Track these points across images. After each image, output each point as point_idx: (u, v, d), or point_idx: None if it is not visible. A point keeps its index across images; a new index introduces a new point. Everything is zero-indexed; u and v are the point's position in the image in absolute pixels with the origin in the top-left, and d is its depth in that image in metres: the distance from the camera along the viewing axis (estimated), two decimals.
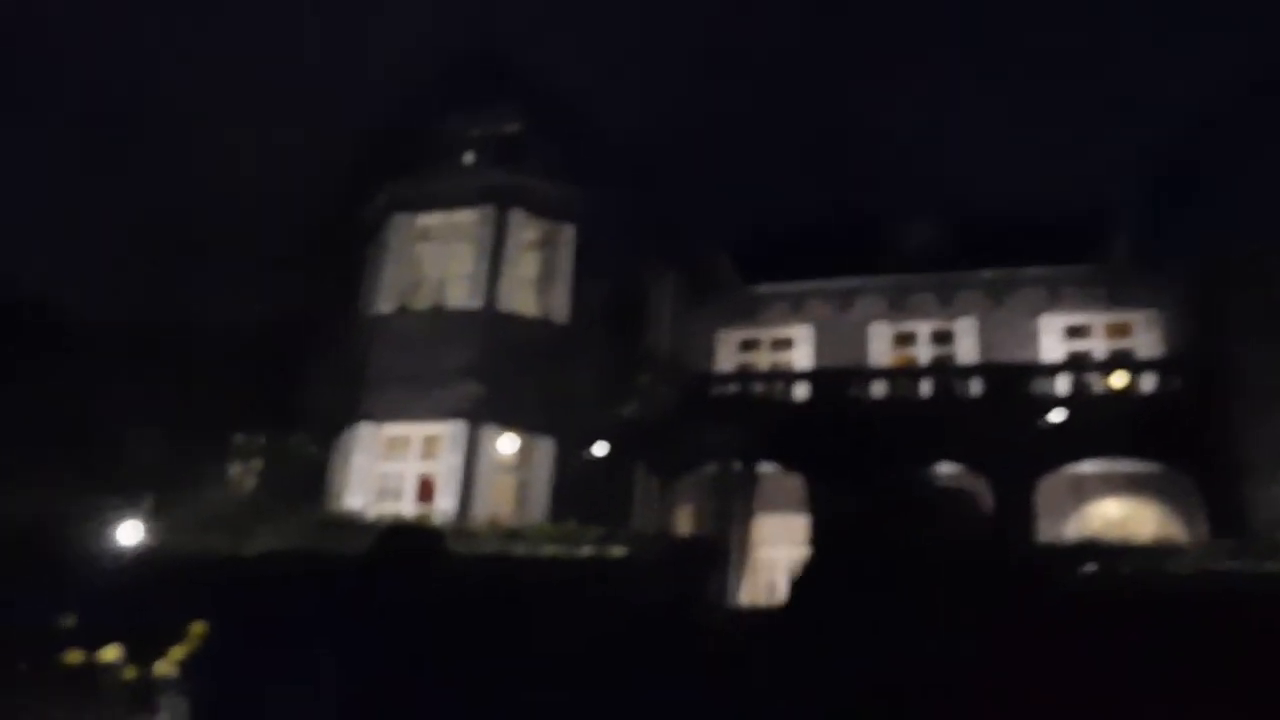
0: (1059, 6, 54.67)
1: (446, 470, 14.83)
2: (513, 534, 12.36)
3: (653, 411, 14.80)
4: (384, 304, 15.80)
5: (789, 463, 15.89)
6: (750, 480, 14.74)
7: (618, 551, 11.70)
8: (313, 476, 15.23)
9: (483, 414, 15.00)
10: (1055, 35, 53.05)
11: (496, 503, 14.98)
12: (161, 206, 18.01)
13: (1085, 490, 16.45)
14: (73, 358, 15.44)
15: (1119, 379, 15.98)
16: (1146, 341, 17.22)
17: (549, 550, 11.89)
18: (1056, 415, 14.96)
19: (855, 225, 19.88)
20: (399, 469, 15.08)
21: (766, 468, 16.02)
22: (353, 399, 15.08)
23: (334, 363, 15.54)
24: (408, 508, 14.50)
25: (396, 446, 15.16)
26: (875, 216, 19.99)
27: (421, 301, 16.13)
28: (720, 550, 12.78)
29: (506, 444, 15.35)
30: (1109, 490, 16.49)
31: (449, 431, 14.95)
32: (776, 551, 17.38)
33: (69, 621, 7.17)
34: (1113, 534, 15.66)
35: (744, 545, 15.08)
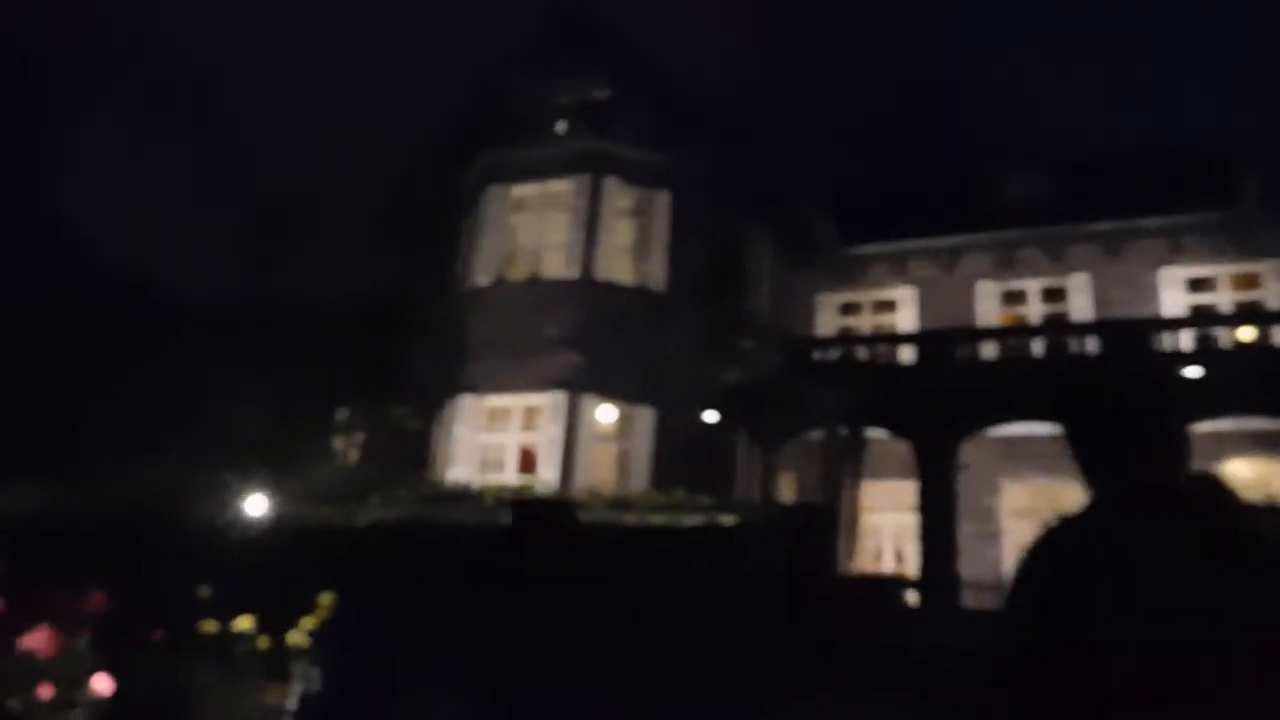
0: None
1: (547, 441, 14.79)
2: (621, 502, 12.26)
3: (755, 377, 14.51)
4: (481, 276, 15.78)
5: (896, 427, 15.46)
6: (858, 446, 14.38)
7: (727, 519, 11.51)
8: (415, 449, 15.34)
9: (582, 384, 14.90)
10: None
11: (597, 472, 14.91)
12: (254, 186, 18.18)
13: (1212, 449, 15.67)
14: (177, 341, 15.76)
15: (1244, 333, 15.16)
16: (1277, 292, 16.27)
17: (657, 519, 11.76)
18: (1192, 371, 14.21)
19: (956, 180, 19.16)
20: (500, 440, 15.10)
21: (874, 433, 15.63)
22: (453, 371, 15.11)
23: (433, 336, 15.58)
24: (510, 478, 14.54)
25: (497, 418, 15.18)
26: (977, 170, 19.23)
27: (518, 273, 16.07)
28: (830, 517, 12.48)
29: (606, 413, 15.26)
30: (1239, 449, 15.68)
31: (549, 402, 14.90)
32: (882, 518, 17.04)
33: (204, 592, 7.21)
34: (1250, 495, 14.94)
35: (852, 512, 14.75)
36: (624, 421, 15.35)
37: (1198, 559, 1.85)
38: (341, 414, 16.52)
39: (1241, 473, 15.76)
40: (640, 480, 14.78)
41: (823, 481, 13.72)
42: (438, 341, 15.41)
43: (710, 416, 14.50)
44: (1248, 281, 16.80)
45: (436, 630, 7.31)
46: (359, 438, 17.01)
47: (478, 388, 15.02)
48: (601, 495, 13.01)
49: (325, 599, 7.57)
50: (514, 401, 15.11)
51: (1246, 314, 15.81)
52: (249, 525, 10.64)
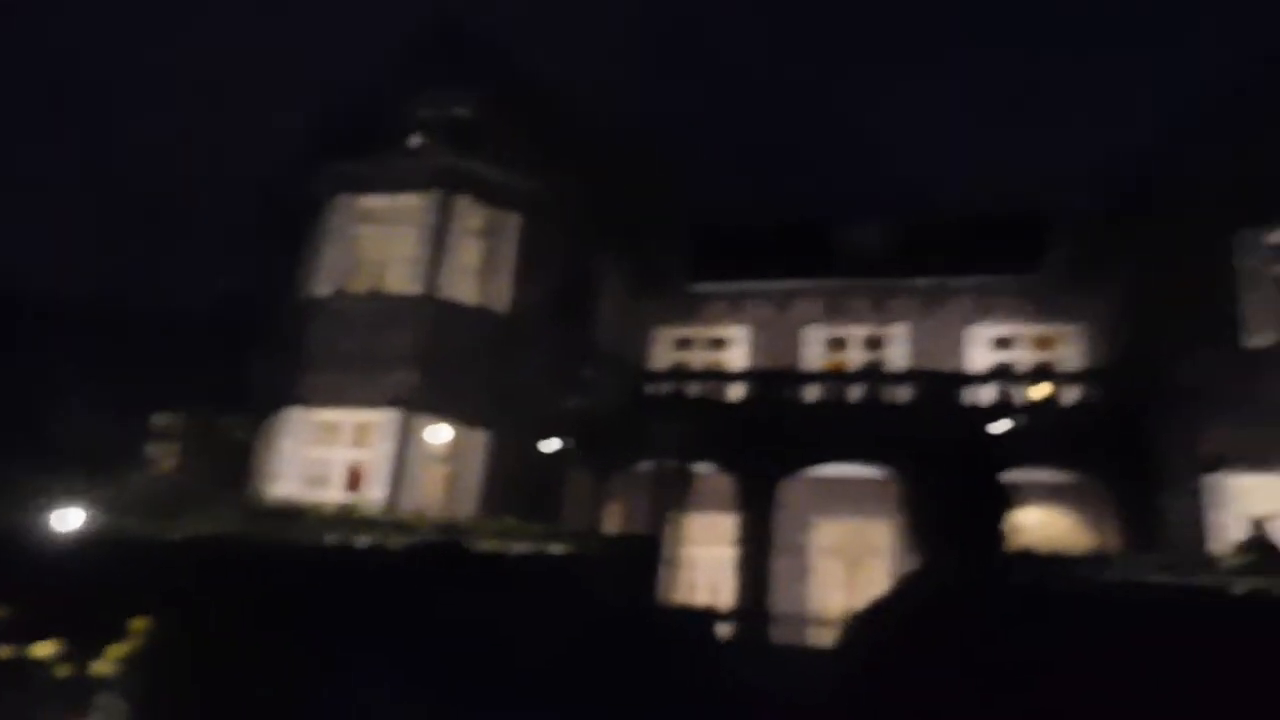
0: (1026, 20, 56.06)
1: (378, 458, 14.58)
2: (450, 527, 12.21)
3: (594, 406, 14.76)
4: (322, 286, 15.41)
5: (724, 462, 16.04)
6: (685, 479, 14.83)
7: (557, 548, 11.66)
8: (237, 460, 14.81)
9: (418, 402, 14.78)
10: (1017, 47, 54.40)
11: (426, 493, 14.81)
12: (116, 187, 17.27)
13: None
14: (24, 338, 14.74)
15: (1041, 391, 16.52)
16: (1071, 354, 17.85)
17: (488, 545, 11.79)
18: (1000, 425, 15.39)
19: (795, 227, 20.11)
20: (328, 455, 14.76)
21: (699, 466, 16.15)
22: (285, 382, 14.69)
23: (269, 345, 15.11)
24: (335, 496, 14.24)
25: (327, 432, 14.84)
26: (819, 219, 20.26)
27: (361, 285, 15.78)
28: (657, 549, 12.81)
29: (439, 434, 15.17)
30: (1022, 499, 17.04)
31: (382, 419, 14.69)
32: (700, 550, 17.57)
33: (1, 613, 6.81)
34: (1032, 541, 16.28)
35: (675, 544, 15.17)
36: (457, 443, 15.29)
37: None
38: (161, 419, 15.77)
39: (1025, 521, 17.18)
40: (469, 504, 14.77)
41: (651, 513, 14.08)
42: (272, 351, 14.96)
43: (551, 445, 14.64)
44: (1045, 343, 18.37)
45: (265, 657, 7.16)
46: (177, 446, 16.29)
47: (309, 400, 14.64)
48: (429, 518, 12.92)
49: (138, 624, 7.28)
50: (346, 417, 14.81)
51: (1043, 373, 17.21)
52: (56, 538, 10.02)
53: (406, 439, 14.63)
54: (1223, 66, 16.42)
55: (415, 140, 16.21)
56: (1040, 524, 16.90)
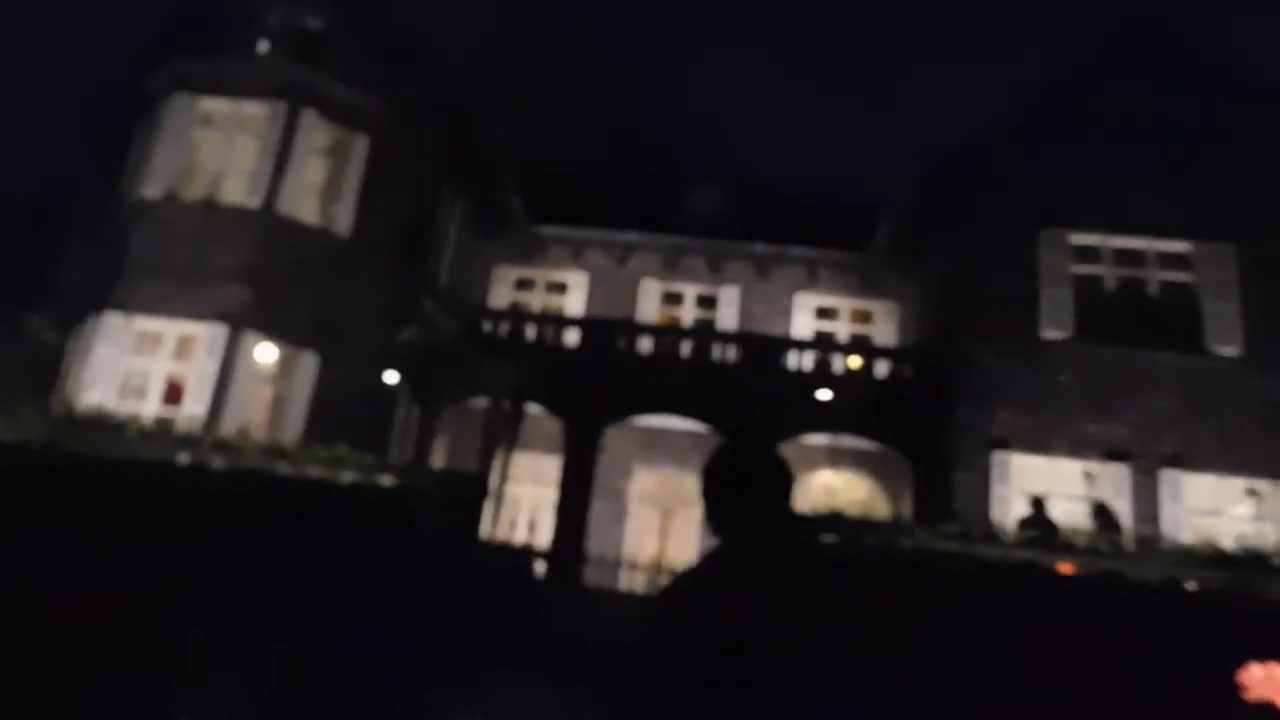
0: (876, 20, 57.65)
1: (199, 374, 14.06)
2: (278, 451, 11.99)
3: (431, 341, 14.72)
4: (151, 188, 14.54)
5: (553, 405, 16.36)
6: (516, 419, 15.07)
7: (386, 480, 11.69)
8: (45, 364, 13.95)
9: (246, 319, 14.32)
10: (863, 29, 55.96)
11: (251, 414, 14.44)
12: None
13: (810, 459, 18.15)
14: None
15: (854, 362, 17.63)
16: (885, 330, 19.12)
17: (314, 472, 11.67)
18: (824, 394, 16.32)
19: (644, 182, 20.48)
20: (146, 367, 14.10)
21: (531, 408, 16.42)
22: (104, 286, 13.88)
23: (88, 244, 14.21)
24: (152, 409, 13.68)
25: (147, 343, 14.16)
26: (665, 177, 20.68)
27: (194, 192, 14.99)
28: (485, 486, 13.02)
29: (266, 353, 14.77)
30: (830, 461, 18.29)
31: (207, 333, 14.16)
32: (522, 489, 17.94)
33: None
34: (839, 503, 17.52)
35: (501, 482, 15.44)
36: (285, 365, 14.93)
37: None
38: None
39: (831, 483, 18.46)
40: (294, 429, 14.52)
41: (481, 450, 14.27)
42: (92, 251, 14.08)
43: (391, 377, 14.52)
44: (864, 317, 19.57)
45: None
46: None
47: (129, 307, 13.92)
48: (260, 441, 12.64)
49: None
50: (168, 327, 14.16)
51: (859, 345, 18.34)
52: None
53: (232, 356, 14.16)
54: (1041, 73, 17.61)
55: (263, 46, 15.47)
56: (846, 486, 18.21)
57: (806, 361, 17.05)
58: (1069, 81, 16.96)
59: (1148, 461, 15.09)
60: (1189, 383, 15.35)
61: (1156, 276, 15.99)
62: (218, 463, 10.94)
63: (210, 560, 8.56)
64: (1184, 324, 15.74)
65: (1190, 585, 8.76)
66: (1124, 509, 14.18)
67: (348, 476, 11.71)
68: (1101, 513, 12.34)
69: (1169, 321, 15.82)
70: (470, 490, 12.11)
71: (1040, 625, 7.75)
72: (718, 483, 2.85)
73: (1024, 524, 12.01)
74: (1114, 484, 14.96)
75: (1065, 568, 9.32)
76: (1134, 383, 15.41)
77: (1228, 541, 9.92)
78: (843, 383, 16.82)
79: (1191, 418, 15.19)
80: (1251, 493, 14.86)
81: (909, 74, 52.24)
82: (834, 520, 11.59)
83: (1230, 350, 15.39)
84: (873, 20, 55.50)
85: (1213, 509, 14.91)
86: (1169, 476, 15.02)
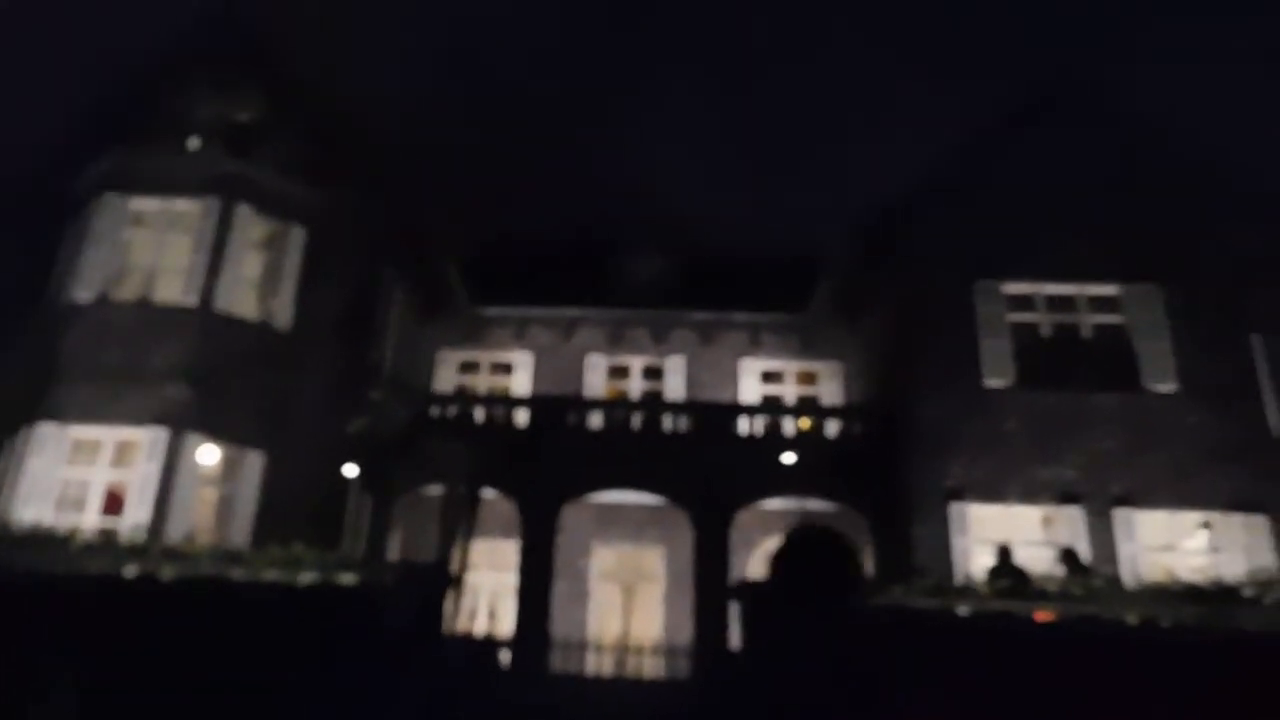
0: (801, 63, 59.24)
1: (141, 481, 13.52)
2: (230, 555, 11.50)
3: (383, 430, 14.39)
4: (82, 291, 14.09)
5: (507, 488, 16.05)
6: (474, 504, 14.70)
7: (348, 578, 11.26)
8: None
9: (187, 421, 13.86)
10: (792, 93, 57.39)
11: (196, 518, 13.88)
12: None
13: (768, 524, 18.04)
14: None
15: (804, 423, 17.65)
16: (830, 390, 19.27)
17: (270, 575, 11.20)
18: (788, 457, 16.30)
19: (581, 254, 20.52)
20: (84, 476, 13.51)
21: (485, 492, 16.08)
22: (35, 395, 13.32)
23: (16, 353, 13.64)
24: (91, 520, 13.05)
25: (84, 451, 13.59)
26: (604, 247, 20.76)
27: (127, 293, 14.58)
28: (450, 577, 12.62)
29: (210, 455, 14.26)
30: (787, 526, 18.14)
31: (147, 438, 13.66)
32: (481, 576, 17.46)
33: None
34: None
35: (461, 570, 15.00)
36: (230, 465, 14.45)
37: None
38: None
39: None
40: (243, 530, 14.00)
41: (439, 538, 13.86)
42: (21, 360, 13.51)
43: (349, 470, 14.11)
44: (809, 378, 19.73)
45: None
46: None
47: (63, 415, 13.36)
48: (205, 545, 12.12)
49: None
50: (105, 434, 13.63)
51: (807, 407, 18.41)
52: None
53: (174, 460, 13.66)
54: (967, 130, 18.18)
55: (194, 142, 15.23)
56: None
57: (758, 426, 17.03)
58: (993, 137, 17.56)
59: (1099, 502, 15.30)
60: (1130, 421, 15.68)
61: (1089, 320, 16.41)
62: (168, 572, 10.46)
63: (168, 677, 8.12)
64: (1120, 365, 16.15)
65: (1165, 622, 8.87)
66: (1082, 550, 14.31)
67: (306, 577, 11.27)
68: (1069, 557, 12.45)
69: (1105, 363, 16.22)
70: (433, 581, 11.73)
71: (1028, 673, 7.78)
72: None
73: (994, 573, 12.02)
74: (1070, 526, 15.13)
75: (1043, 615, 9.32)
76: (1078, 425, 15.69)
77: (1186, 575, 10.03)
78: (794, 445, 16.80)
79: (1137, 455, 15.48)
80: (1206, 525, 15.16)
81: (841, 134, 53.78)
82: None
83: (1166, 387, 15.78)
84: (803, 80, 57.22)
85: (1167, 544, 15.15)
86: (1122, 515, 15.24)
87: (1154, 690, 7.49)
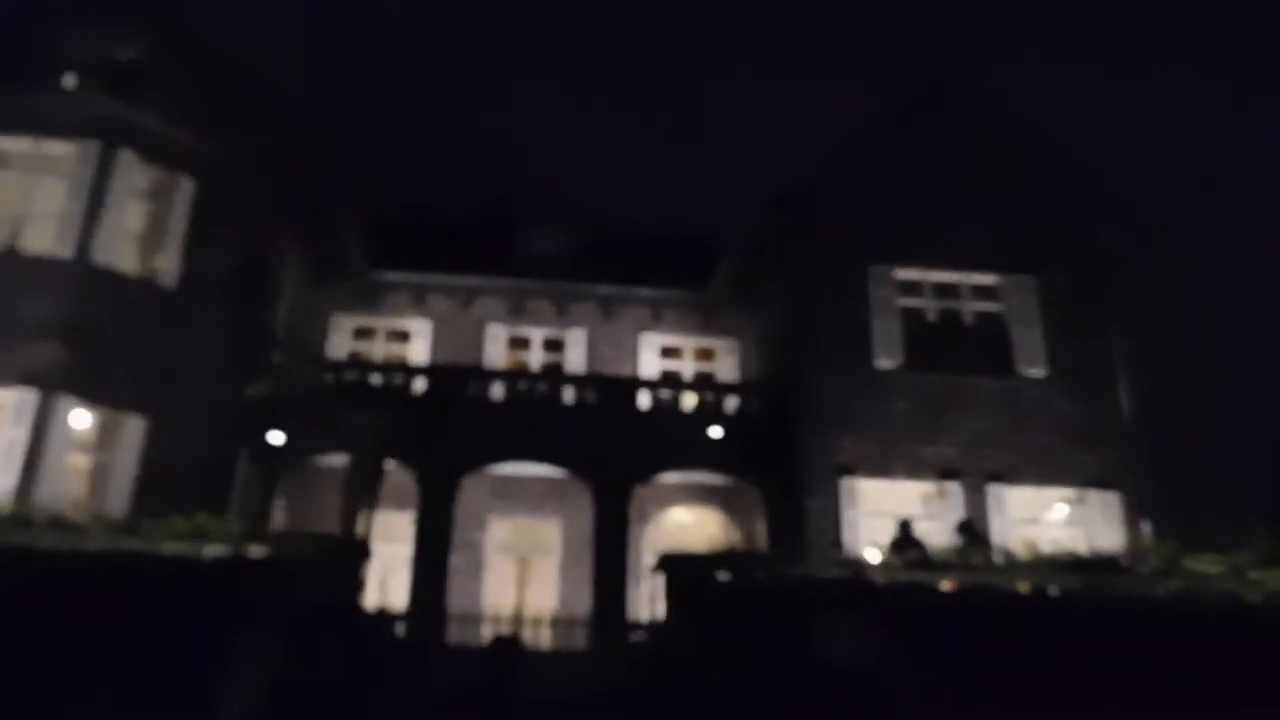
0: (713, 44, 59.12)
1: (6, 445, 12.47)
2: (128, 527, 10.74)
3: (283, 395, 13.68)
4: None
5: (405, 458, 15.60)
6: (378, 475, 14.21)
7: (258, 551, 10.71)
8: None
9: (60, 382, 12.84)
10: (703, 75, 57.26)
11: (66, 488, 12.87)
12: None
13: (665, 498, 18.20)
14: None
15: (701, 398, 17.79)
16: (727, 366, 19.53)
17: (171, 548, 10.52)
18: (715, 431, 16.45)
19: (482, 224, 20.03)
20: None
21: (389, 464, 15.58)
22: None
23: None
24: None
25: None
26: (508, 219, 20.32)
27: None
28: (363, 550, 12.16)
29: (81, 419, 13.25)
30: (683, 499, 18.41)
31: (14, 399, 12.60)
32: (376, 547, 16.90)
33: None
34: (684, 538, 17.64)
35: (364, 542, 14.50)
36: (107, 430, 13.48)
37: None
38: None
39: (683, 520, 18.57)
40: (121, 499, 13.10)
41: (344, 511, 13.34)
42: None
43: (275, 438, 13.32)
44: (706, 354, 19.95)
45: None
46: None
47: None
48: (100, 515, 11.29)
49: None
50: None
51: (704, 383, 18.56)
52: None
53: (45, 423, 12.63)
54: (862, 119, 18.71)
55: (70, 80, 14.00)
56: (698, 521, 18.36)
57: (659, 400, 17.08)
58: (884, 127, 18.13)
59: (975, 478, 16.15)
60: (1004, 404, 16.59)
61: (970, 307, 17.22)
62: (47, 542, 9.69)
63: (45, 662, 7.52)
64: (997, 350, 17.04)
65: (1053, 590, 9.52)
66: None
67: (213, 550, 10.67)
68: (967, 528, 13.10)
69: (984, 348, 17.08)
70: (353, 554, 11.31)
71: (935, 637, 8.29)
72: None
73: (895, 546, 12.52)
74: (950, 501, 15.91)
75: (947, 584, 9.78)
76: (958, 406, 16.48)
77: (1046, 547, 10.72)
78: (693, 420, 16.94)
79: (1009, 436, 16.39)
80: (1069, 501, 16.25)
81: (746, 112, 54.38)
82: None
83: (1037, 372, 16.76)
84: (707, 61, 57.38)
85: (1031, 518, 16.12)
86: (994, 491, 16.13)
87: (1046, 649, 8.07)
